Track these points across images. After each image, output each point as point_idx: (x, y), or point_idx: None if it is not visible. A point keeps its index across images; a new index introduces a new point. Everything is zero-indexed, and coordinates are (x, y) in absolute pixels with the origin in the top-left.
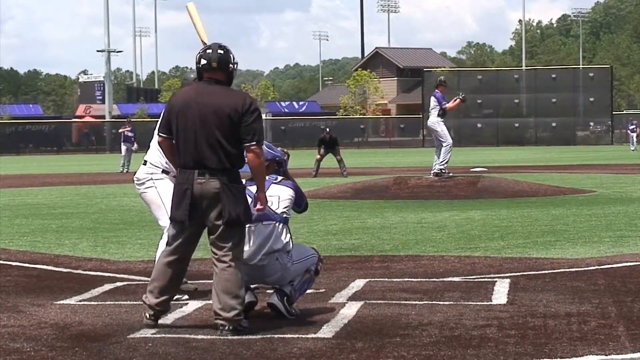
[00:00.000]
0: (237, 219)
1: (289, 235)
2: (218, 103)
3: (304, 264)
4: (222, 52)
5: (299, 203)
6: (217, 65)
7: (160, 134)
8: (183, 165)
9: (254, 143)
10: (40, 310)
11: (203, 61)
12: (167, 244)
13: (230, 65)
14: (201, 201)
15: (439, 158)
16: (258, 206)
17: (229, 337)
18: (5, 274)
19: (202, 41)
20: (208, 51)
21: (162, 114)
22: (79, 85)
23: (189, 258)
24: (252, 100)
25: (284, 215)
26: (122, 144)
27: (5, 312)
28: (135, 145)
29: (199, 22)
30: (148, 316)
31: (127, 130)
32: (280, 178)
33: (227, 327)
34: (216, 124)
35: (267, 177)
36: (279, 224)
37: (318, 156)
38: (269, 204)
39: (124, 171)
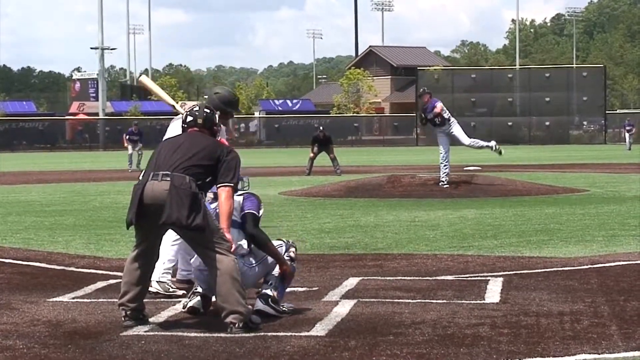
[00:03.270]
0: (178, 222)
1: (243, 239)
2: (199, 142)
3: (265, 265)
4: (208, 111)
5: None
6: (202, 123)
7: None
8: (145, 173)
9: (229, 184)
10: (33, 308)
11: (189, 118)
12: (134, 244)
13: (215, 128)
14: (151, 202)
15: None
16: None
17: (222, 335)
18: None
19: (169, 104)
20: (195, 109)
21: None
22: (74, 82)
23: (156, 255)
24: (231, 149)
25: (234, 219)
26: (128, 143)
27: None
28: (140, 145)
29: (157, 89)
30: (123, 318)
31: (133, 132)
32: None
33: (236, 325)
34: (192, 150)
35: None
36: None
37: (311, 154)
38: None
39: (129, 170)
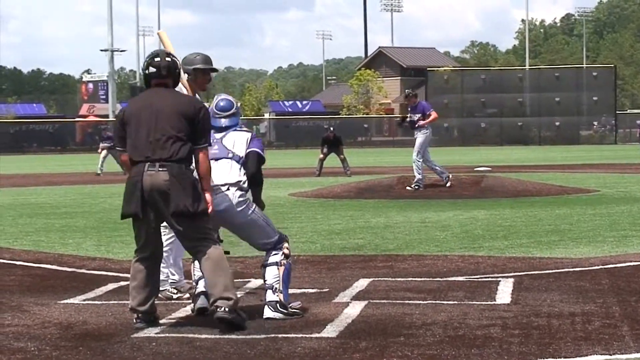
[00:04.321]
0: (186, 210)
1: (245, 177)
2: (171, 104)
3: (264, 221)
4: (169, 59)
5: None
6: (167, 73)
7: (118, 148)
8: (135, 161)
9: (205, 145)
10: (44, 310)
11: (152, 69)
12: (137, 247)
13: (177, 71)
14: (152, 194)
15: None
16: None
17: (233, 337)
18: (9, 273)
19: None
20: (156, 59)
21: (117, 126)
22: (84, 84)
23: (160, 254)
24: (201, 105)
25: (240, 155)
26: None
27: (9, 311)
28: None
29: (171, 48)
30: (134, 320)
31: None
32: (243, 127)
33: (222, 310)
34: (169, 122)
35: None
36: (232, 161)
37: (321, 155)
38: (231, 146)
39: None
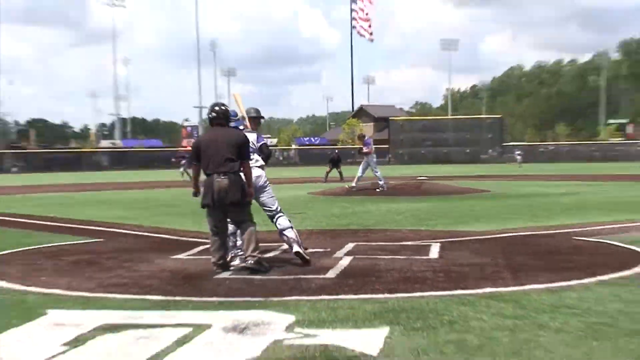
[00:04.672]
0: (237, 200)
1: (262, 161)
2: (226, 137)
3: (271, 195)
4: (224, 108)
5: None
6: (222, 117)
7: (194, 162)
8: (209, 173)
9: (247, 159)
10: (162, 261)
11: (213, 114)
12: (210, 226)
13: (228, 116)
14: (219, 192)
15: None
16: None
17: (273, 277)
18: (142, 240)
19: (243, 119)
20: (216, 108)
21: (193, 149)
22: (184, 128)
23: (226, 230)
24: (243, 136)
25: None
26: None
27: (142, 262)
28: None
29: (243, 109)
30: (215, 269)
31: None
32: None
33: (250, 262)
34: (226, 149)
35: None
36: (255, 153)
37: (328, 169)
38: (251, 144)
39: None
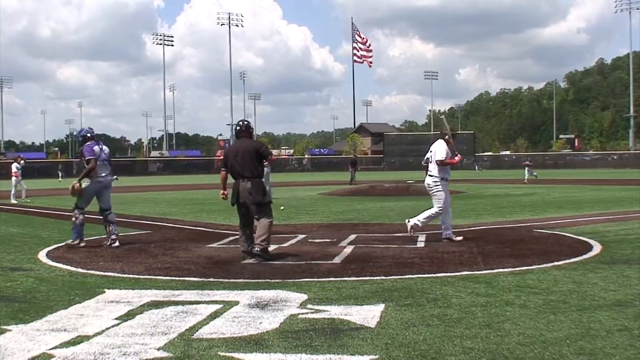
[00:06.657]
0: (259, 201)
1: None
2: (249, 147)
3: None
4: (247, 122)
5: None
6: (246, 129)
7: (222, 168)
8: (235, 177)
9: (270, 157)
10: (198, 249)
11: (238, 127)
12: (239, 220)
13: (251, 130)
14: (243, 193)
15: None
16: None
17: (289, 262)
18: (181, 232)
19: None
20: (241, 122)
21: (223, 157)
22: (219, 141)
23: (252, 224)
24: (262, 144)
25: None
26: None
27: (181, 250)
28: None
29: (446, 124)
30: (243, 255)
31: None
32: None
33: (257, 249)
34: (250, 155)
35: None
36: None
37: (350, 170)
38: None
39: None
